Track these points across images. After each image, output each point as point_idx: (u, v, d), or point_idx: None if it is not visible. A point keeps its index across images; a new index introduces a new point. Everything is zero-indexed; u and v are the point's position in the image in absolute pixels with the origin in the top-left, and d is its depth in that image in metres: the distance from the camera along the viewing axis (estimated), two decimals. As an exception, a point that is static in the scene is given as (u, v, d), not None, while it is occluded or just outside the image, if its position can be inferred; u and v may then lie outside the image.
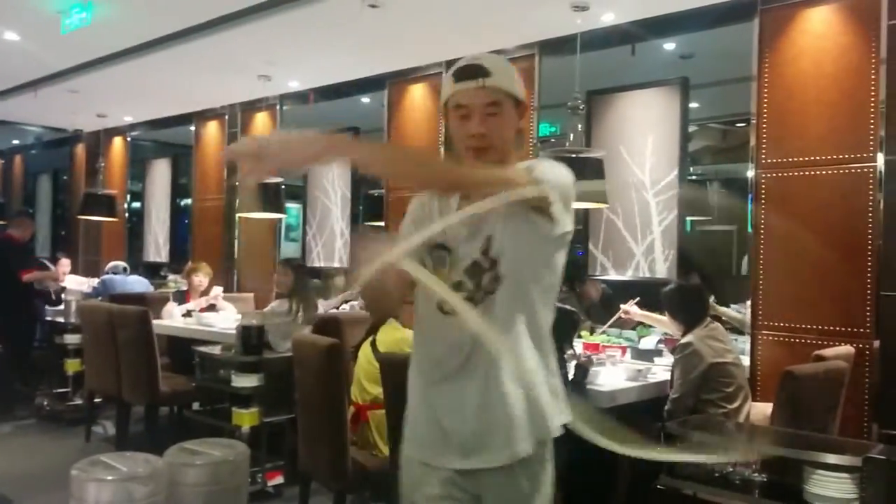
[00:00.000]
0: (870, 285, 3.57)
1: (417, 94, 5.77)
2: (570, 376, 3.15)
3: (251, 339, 4.03)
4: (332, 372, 3.18)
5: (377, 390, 3.26)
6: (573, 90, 4.24)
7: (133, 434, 5.06)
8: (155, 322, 4.85)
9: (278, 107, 6.86)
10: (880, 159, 3.56)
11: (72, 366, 5.66)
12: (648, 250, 4.62)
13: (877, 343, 3.54)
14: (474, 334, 1.46)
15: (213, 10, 4.81)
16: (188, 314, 5.41)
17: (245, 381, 3.96)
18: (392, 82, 5.90)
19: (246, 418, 3.90)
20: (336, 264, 6.46)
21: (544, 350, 1.61)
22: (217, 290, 5.76)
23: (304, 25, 4.86)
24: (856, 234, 3.61)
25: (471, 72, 1.57)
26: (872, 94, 3.59)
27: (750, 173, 4.00)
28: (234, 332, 4.20)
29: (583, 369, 3.20)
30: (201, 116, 7.64)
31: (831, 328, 3.66)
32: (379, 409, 3.25)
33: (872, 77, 3.59)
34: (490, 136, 1.57)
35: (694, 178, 6.37)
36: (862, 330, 3.58)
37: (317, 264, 6.58)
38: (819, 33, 3.79)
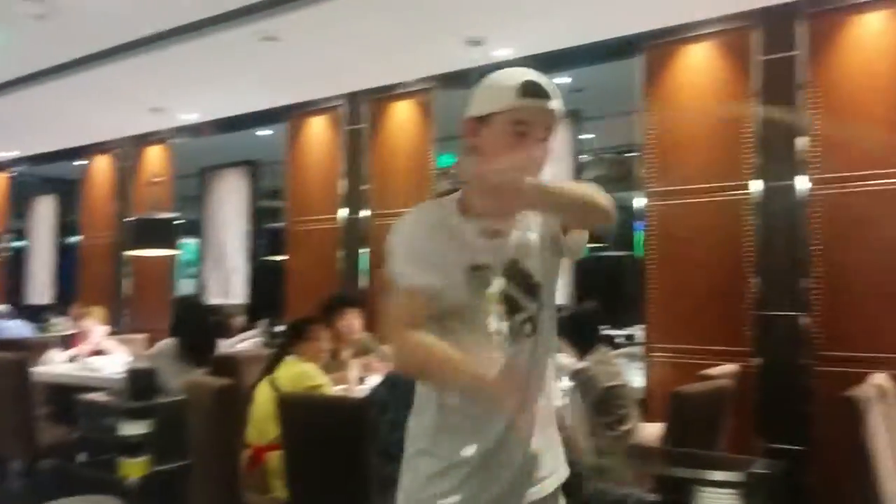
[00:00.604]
0: (749, 306, 3.76)
1: (318, 127, 5.73)
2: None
3: (140, 382, 3.83)
4: (225, 414, 3.07)
5: (276, 430, 3.15)
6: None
7: (12, 491, 4.69)
8: (36, 369, 4.54)
9: (172, 140, 6.66)
10: (756, 186, 3.79)
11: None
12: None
13: (758, 361, 3.72)
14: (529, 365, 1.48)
15: (103, 41, 4.65)
16: (73, 359, 5.10)
17: (133, 429, 3.74)
18: (291, 115, 5.85)
19: (135, 468, 3.68)
20: (234, 301, 6.27)
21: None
22: (100, 331, 5.43)
23: (199, 58, 4.76)
24: (736, 258, 3.81)
25: (541, 90, 1.46)
26: (747, 125, 3.82)
27: (638, 201, 4.17)
28: (122, 376, 3.99)
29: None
30: (91, 150, 7.33)
31: (716, 348, 3.83)
32: (277, 449, 3.14)
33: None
34: (544, 161, 1.48)
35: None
36: (743, 348, 3.76)
37: (214, 301, 6.37)
38: (698, 68, 4.03)
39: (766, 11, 3.82)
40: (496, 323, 1.46)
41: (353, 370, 3.74)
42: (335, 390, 3.48)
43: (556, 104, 1.46)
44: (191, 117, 6.33)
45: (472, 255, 1.47)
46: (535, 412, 1.49)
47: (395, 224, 1.50)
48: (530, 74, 1.48)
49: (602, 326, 3.92)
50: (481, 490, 1.49)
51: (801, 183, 3.69)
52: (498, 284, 1.49)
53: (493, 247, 1.50)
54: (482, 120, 1.49)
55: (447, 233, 1.49)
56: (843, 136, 3.59)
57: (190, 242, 7.28)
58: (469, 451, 1.48)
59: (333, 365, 3.81)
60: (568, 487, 1.64)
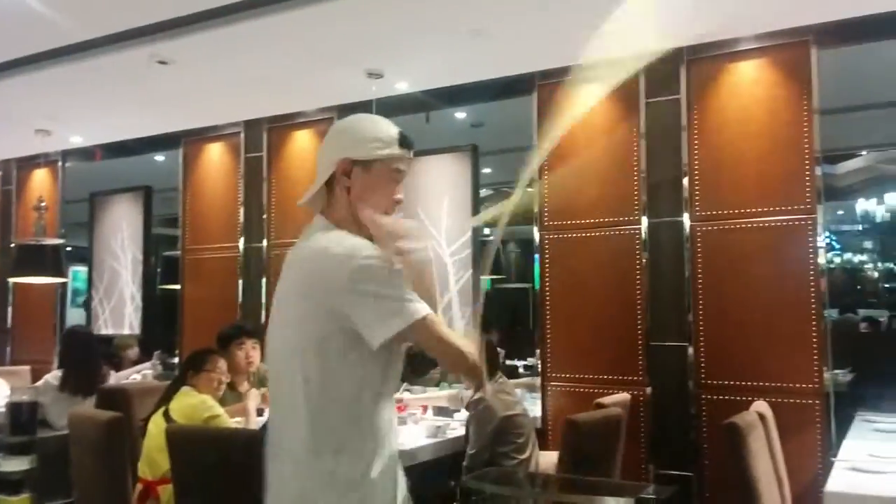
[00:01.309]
0: (640, 337, 3.91)
1: (215, 154, 5.60)
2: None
3: (21, 416, 3.60)
4: (113, 448, 2.93)
5: (169, 463, 3.02)
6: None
7: None
8: None
9: (60, 163, 6.35)
10: (644, 222, 3.97)
11: None
12: (446, 309, 4.75)
13: (649, 389, 3.87)
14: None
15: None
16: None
17: (14, 465, 3.53)
18: (187, 140, 5.70)
19: (14, 507, 3.45)
20: (126, 331, 5.98)
21: None
22: None
23: (88, 79, 4.57)
24: (627, 290, 3.97)
25: (412, 142, 1.66)
26: (635, 164, 4.01)
27: (536, 235, 4.28)
28: (2, 410, 3.74)
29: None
30: (-31, 172, 6.88)
31: (610, 377, 3.96)
32: (170, 483, 3.01)
33: (635, 149, 4.02)
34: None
35: (490, 238, 6.70)
36: (636, 378, 3.90)
37: (105, 331, 6.06)
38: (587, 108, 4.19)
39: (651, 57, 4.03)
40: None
41: (252, 401, 3.64)
42: (233, 422, 3.37)
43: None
44: (80, 140, 6.06)
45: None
46: None
47: (358, 253, 1.47)
48: (395, 126, 1.66)
49: (502, 357, 3.97)
50: None
51: (686, 220, 3.89)
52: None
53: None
54: (363, 163, 1.61)
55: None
56: (719, 176, 3.82)
57: (80, 270, 6.93)
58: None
59: (232, 397, 3.71)
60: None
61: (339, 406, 1.49)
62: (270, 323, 1.61)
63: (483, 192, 5.24)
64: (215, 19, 3.72)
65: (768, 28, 3.74)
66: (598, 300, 4.05)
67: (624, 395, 3.77)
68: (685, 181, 3.90)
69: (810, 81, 3.66)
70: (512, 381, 3.87)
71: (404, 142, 1.63)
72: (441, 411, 4.03)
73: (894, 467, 2.08)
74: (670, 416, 3.83)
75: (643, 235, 3.97)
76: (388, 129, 1.63)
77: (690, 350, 3.82)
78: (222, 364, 3.49)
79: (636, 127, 4.04)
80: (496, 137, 5.13)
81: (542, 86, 4.30)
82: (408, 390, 4.48)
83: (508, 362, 5.19)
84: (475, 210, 4.78)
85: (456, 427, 3.74)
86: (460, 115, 5.34)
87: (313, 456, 1.48)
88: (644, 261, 3.95)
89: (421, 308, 1.47)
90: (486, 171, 5.31)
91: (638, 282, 3.96)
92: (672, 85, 3.96)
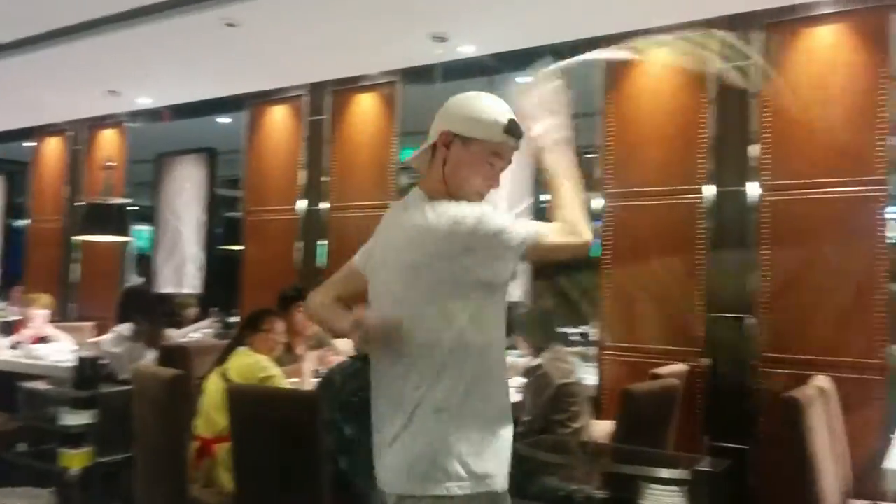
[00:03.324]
0: (700, 307, 3.85)
1: (279, 116, 5.67)
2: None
3: (86, 371, 3.74)
4: (174, 405, 3.01)
5: (226, 421, 3.12)
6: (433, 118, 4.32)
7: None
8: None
9: (128, 124, 6.51)
10: (709, 191, 3.87)
11: None
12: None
13: (707, 361, 3.81)
14: None
15: (60, 20, 4.51)
16: (16, 346, 4.94)
17: (76, 419, 3.64)
18: (252, 103, 5.77)
19: (76, 459, 3.58)
20: (187, 290, 6.17)
21: None
22: (40, 315, 5.07)
23: (157, 41, 4.66)
24: (687, 260, 3.89)
25: (520, 132, 1.66)
26: (702, 130, 3.89)
27: (596, 202, 4.22)
28: (66, 364, 3.89)
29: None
30: (42, 132, 7.13)
31: (667, 348, 3.90)
32: (227, 441, 3.11)
33: (702, 116, 3.90)
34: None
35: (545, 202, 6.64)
36: (694, 349, 3.85)
37: (167, 290, 6.25)
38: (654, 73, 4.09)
39: (726, 19, 3.87)
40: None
41: (308, 363, 3.72)
42: (289, 383, 3.46)
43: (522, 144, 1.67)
44: (147, 101, 6.19)
45: None
46: None
47: (477, 214, 1.58)
48: (511, 113, 1.65)
49: (558, 324, 3.96)
50: None
51: (752, 189, 3.79)
52: None
53: None
54: (462, 139, 1.64)
55: None
56: (790, 145, 3.69)
57: (144, 229, 7.15)
58: None
59: (288, 358, 3.78)
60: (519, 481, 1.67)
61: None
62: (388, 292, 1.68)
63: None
64: (281, -19, 3.74)
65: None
66: (657, 270, 3.98)
67: (681, 366, 3.72)
68: (753, 149, 3.79)
69: (888, 49, 3.49)
70: (567, 349, 3.86)
71: (511, 130, 1.63)
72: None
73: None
74: (727, 389, 3.77)
75: (707, 203, 3.88)
76: (497, 113, 1.64)
77: (751, 322, 3.74)
78: (279, 325, 3.52)
79: (704, 92, 3.93)
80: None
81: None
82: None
83: (563, 330, 5.17)
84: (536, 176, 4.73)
85: (511, 393, 3.76)
86: (525, 79, 5.26)
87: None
88: (707, 230, 3.87)
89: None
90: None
91: (698, 251, 3.88)
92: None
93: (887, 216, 3.45)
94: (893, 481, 2.32)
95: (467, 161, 1.63)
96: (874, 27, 3.54)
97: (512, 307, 2.13)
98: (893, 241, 3.46)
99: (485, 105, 1.66)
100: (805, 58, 3.72)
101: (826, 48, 3.67)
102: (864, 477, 3.18)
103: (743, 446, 3.67)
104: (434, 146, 1.67)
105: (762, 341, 3.71)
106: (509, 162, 1.67)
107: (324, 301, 1.83)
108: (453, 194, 1.63)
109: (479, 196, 1.65)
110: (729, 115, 3.88)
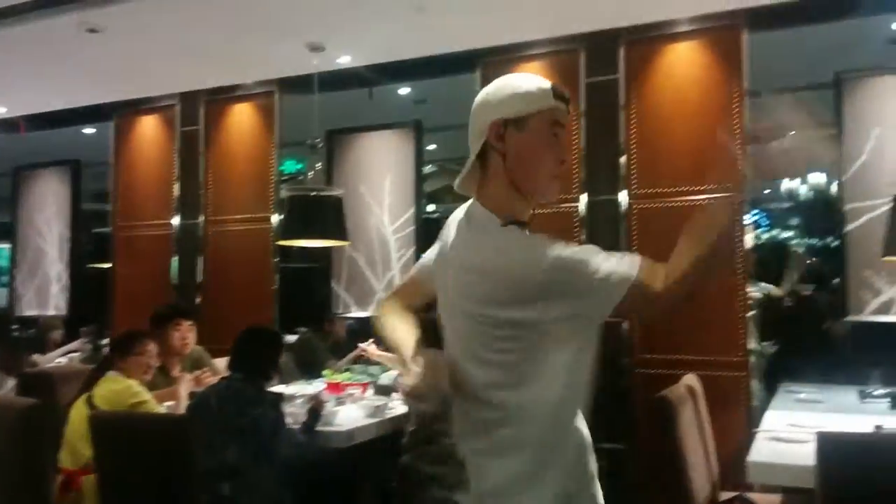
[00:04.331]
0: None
1: (149, 126, 5.42)
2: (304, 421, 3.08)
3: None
4: (32, 437, 2.79)
5: (91, 452, 2.93)
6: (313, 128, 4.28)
7: None
8: None
9: (-19, 134, 6.05)
10: (583, 199, 4.03)
11: None
12: (388, 286, 4.74)
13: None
14: None
15: None
16: None
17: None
18: (120, 113, 5.49)
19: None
20: (52, 311, 5.77)
21: None
22: None
23: (13, 47, 4.36)
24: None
25: (567, 95, 1.48)
26: (575, 141, 4.05)
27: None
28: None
29: (315, 413, 3.13)
30: None
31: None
32: (93, 473, 2.92)
33: (574, 127, 4.05)
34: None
35: (435, 215, 6.71)
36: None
37: (29, 312, 5.83)
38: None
39: (591, 36, 4.07)
40: None
41: (185, 385, 3.55)
42: (164, 407, 3.29)
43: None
44: (2, 111, 5.77)
45: None
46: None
47: (562, 249, 1.43)
48: (546, 80, 1.49)
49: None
50: None
51: (623, 197, 3.97)
52: None
53: None
54: (516, 122, 1.44)
55: None
56: (655, 156, 3.90)
57: (2, 248, 6.65)
58: None
59: (164, 381, 3.60)
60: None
61: None
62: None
63: (427, 169, 5.23)
64: (146, -14, 3.58)
65: (703, 10, 3.81)
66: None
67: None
68: (622, 160, 3.97)
69: (741, 65, 3.76)
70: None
71: (558, 93, 1.46)
72: (382, 390, 4.02)
73: (812, 436, 2.18)
74: (603, 390, 3.89)
75: (582, 212, 4.03)
76: (538, 81, 1.47)
77: (625, 326, 3.90)
78: (152, 347, 3.33)
79: (574, 105, 4.08)
80: (440, 114, 5.12)
81: (486, 63, 4.29)
82: (348, 370, 4.45)
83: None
84: (418, 187, 4.76)
85: (394, 407, 3.74)
86: (403, 90, 5.29)
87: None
88: (582, 237, 4.02)
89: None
90: (430, 147, 5.30)
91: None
92: (611, 64, 4.01)
93: (744, 221, 3.70)
94: (756, 474, 2.47)
95: (531, 143, 1.44)
96: (729, 45, 3.81)
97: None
98: (753, 243, 3.71)
99: (523, 79, 1.48)
100: (665, 73, 3.94)
101: (684, 64, 3.91)
102: (731, 470, 3.38)
103: (620, 446, 3.82)
104: (481, 154, 1.47)
105: (635, 343, 3.88)
106: (564, 130, 1.49)
107: (391, 315, 1.67)
108: (525, 189, 1.46)
109: (555, 179, 1.47)
110: (598, 127, 4.05)
